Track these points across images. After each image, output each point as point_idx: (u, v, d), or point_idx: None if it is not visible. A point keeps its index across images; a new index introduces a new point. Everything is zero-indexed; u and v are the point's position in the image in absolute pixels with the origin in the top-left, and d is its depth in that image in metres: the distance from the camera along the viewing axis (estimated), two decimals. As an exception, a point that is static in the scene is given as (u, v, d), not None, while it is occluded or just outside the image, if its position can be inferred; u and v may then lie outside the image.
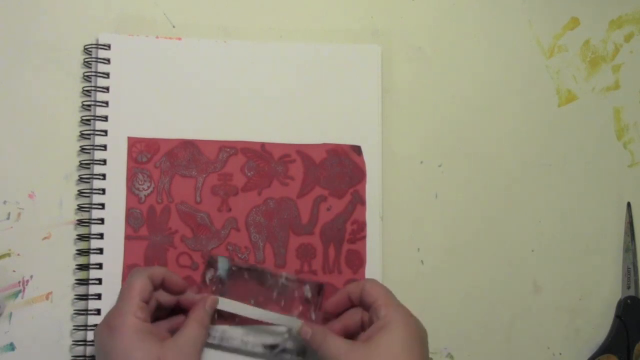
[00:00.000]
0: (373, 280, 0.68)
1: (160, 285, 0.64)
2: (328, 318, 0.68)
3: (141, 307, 0.61)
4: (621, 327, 0.73)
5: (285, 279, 0.68)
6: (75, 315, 0.66)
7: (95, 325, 0.65)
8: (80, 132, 0.69)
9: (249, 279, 0.68)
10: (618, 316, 0.74)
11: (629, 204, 0.76)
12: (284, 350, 0.68)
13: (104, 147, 0.68)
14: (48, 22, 0.70)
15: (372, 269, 0.71)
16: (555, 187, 0.75)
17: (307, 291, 0.69)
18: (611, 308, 0.75)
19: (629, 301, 0.74)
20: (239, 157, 0.70)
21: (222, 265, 0.68)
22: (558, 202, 0.75)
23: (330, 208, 0.71)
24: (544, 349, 0.74)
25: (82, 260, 0.67)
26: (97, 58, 0.69)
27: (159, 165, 0.69)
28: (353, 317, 0.67)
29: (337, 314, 0.68)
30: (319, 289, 0.69)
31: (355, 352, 0.63)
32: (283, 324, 0.67)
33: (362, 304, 0.66)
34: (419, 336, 0.64)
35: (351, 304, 0.67)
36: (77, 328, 0.66)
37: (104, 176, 0.68)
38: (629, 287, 0.74)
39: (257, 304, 0.67)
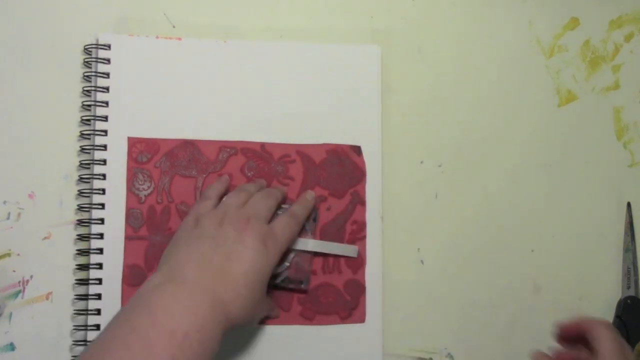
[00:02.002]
0: (606, 327, 0.59)
1: None
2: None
3: None
4: (621, 327, 0.73)
5: (280, 209, 0.68)
6: (75, 315, 0.66)
7: (96, 325, 0.65)
8: (80, 132, 0.69)
9: None
10: (618, 316, 0.74)
11: (629, 204, 0.76)
12: (286, 279, 0.68)
13: (104, 147, 0.68)
14: (48, 22, 0.70)
15: (372, 269, 0.70)
16: (555, 187, 0.75)
17: None
18: (611, 308, 0.75)
19: (629, 301, 0.74)
20: (239, 157, 0.70)
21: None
22: (558, 202, 0.75)
23: (330, 208, 0.71)
24: (544, 349, 0.74)
25: (82, 260, 0.67)
26: (97, 58, 0.69)
27: (159, 165, 0.69)
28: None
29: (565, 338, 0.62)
30: (314, 216, 0.69)
31: None
32: (341, 253, 0.69)
33: (586, 342, 0.59)
34: None
35: (578, 335, 0.61)
36: (77, 328, 0.66)
37: (104, 176, 0.68)
38: (629, 287, 0.74)
39: None
